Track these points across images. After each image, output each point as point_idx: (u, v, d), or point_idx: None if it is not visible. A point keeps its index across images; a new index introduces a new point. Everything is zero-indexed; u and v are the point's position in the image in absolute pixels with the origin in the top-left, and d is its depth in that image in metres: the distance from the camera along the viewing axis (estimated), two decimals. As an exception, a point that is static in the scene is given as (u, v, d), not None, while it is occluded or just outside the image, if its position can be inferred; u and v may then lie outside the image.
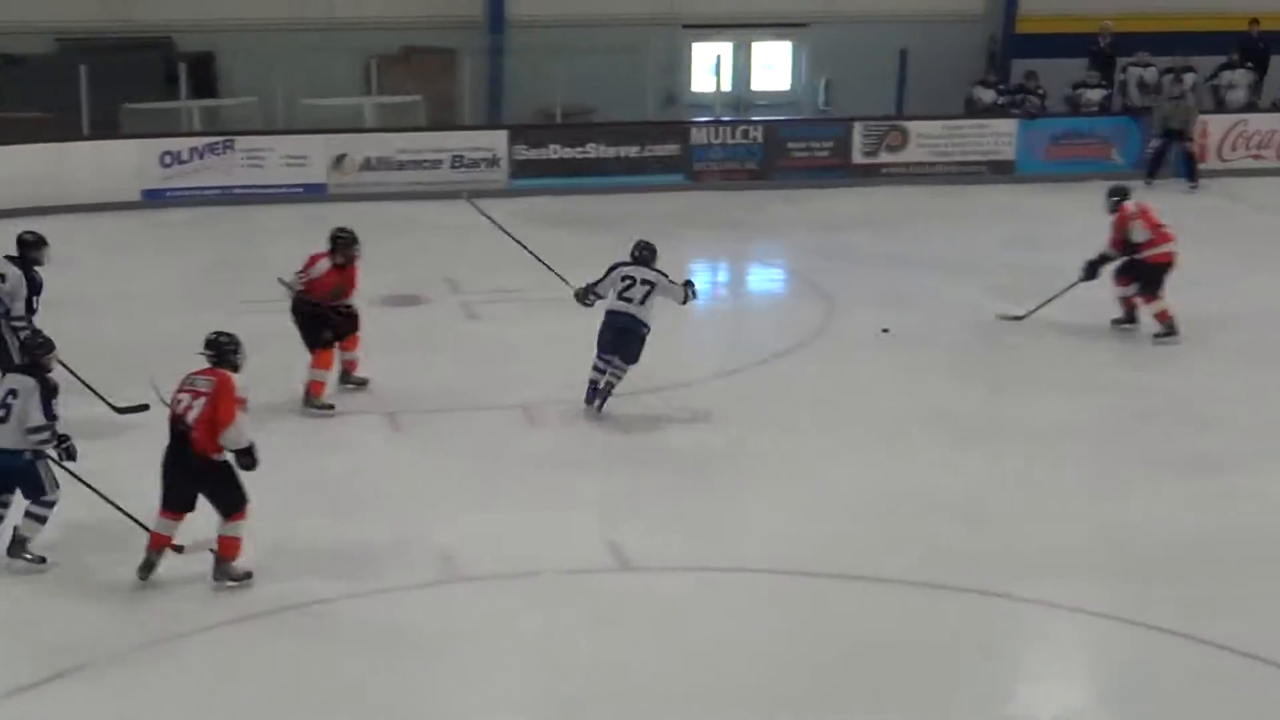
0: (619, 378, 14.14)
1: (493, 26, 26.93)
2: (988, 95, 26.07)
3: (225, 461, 10.63)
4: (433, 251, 20.31)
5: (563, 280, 15.27)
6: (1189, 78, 25.33)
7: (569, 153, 24.26)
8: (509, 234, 16.04)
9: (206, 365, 10.82)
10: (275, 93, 24.41)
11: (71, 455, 10.97)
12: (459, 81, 25.53)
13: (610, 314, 14.14)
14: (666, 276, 14.26)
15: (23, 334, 13.11)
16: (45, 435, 10.76)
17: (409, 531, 11.61)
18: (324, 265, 14.26)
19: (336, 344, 14.38)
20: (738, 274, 21.29)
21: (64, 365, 12.11)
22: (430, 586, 10.80)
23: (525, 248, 15.96)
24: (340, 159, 23.53)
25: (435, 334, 16.78)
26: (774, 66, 28.81)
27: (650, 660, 9.83)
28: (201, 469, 10.60)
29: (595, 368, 14.15)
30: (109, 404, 13.69)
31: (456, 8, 27.06)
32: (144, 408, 13.36)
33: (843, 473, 12.91)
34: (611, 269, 14.34)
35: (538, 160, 24.14)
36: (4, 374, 11.36)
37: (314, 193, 23.07)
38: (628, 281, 14.12)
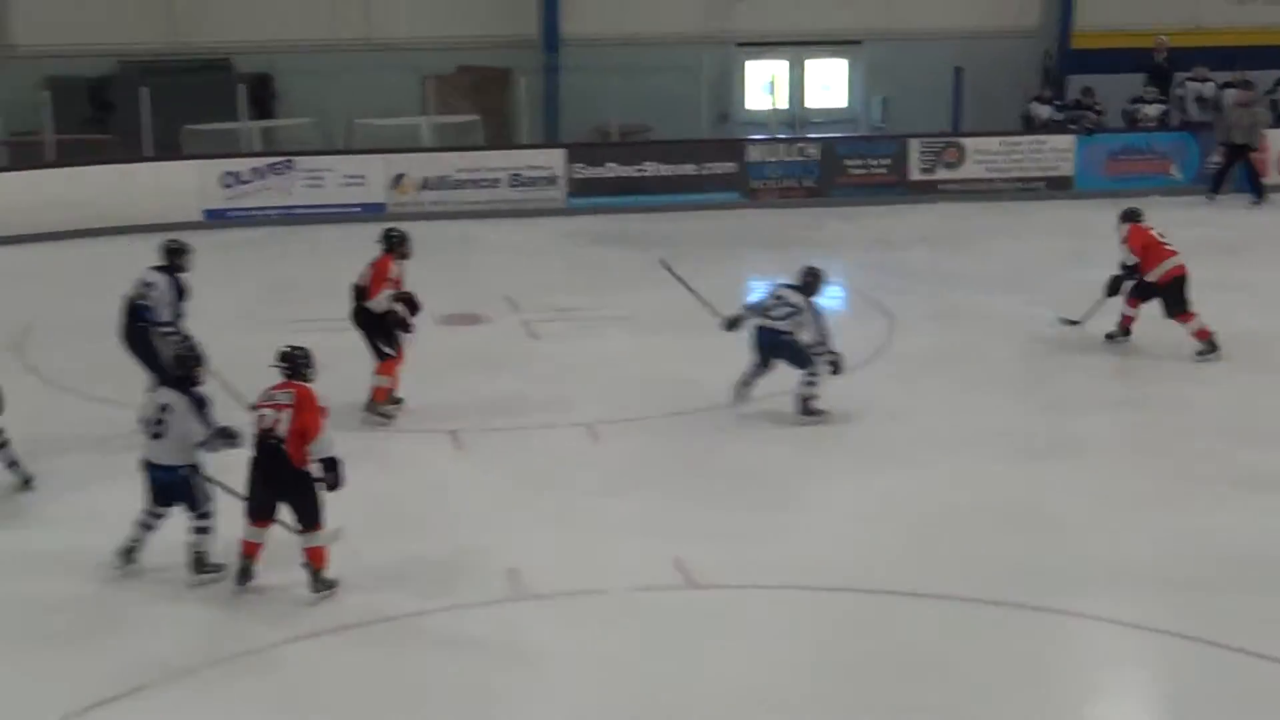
0: (810, 384, 14.38)
1: (548, 45, 27.07)
2: (1044, 111, 26.01)
3: (309, 473, 10.78)
4: (491, 270, 20.39)
5: (714, 312, 15.26)
6: (1254, 89, 25.16)
7: (626, 171, 24.34)
8: (674, 274, 15.90)
9: (280, 379, 10.97)
10: (333, 113, 24.56)
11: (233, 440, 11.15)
12: (515, 100, 25.66)
13: (756, 329, 14.57)
14: (815, 312, 14.45)
15: (173, 340, 13.48)
16: (218, 442, 11.03)
17: (475, 549, 11.64)
18: (396, 266, 14.44)
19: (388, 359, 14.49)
20: (796, 291, 21.26)
21: (213, 376, 12.40)
22: (498, 604, 10.81)
23: (686, 285, 15.87)
24: (399, 178, 23.67)
25: (496, 353, 16.83)
26: (829, 84, 28.83)
27: (716, 677, 9.81)
28: (290, 480, 10.78)
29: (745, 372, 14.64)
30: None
31: (512, 27, 27.21)
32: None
33: (907, 489, 12.88)
34: (771, 288, 14.79)
35: (595, 179, 24.23)
36: (156, 385, 11.43)
37: (373, 212, 23.21)
38: (777, 300, 14.50)
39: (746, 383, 14.69)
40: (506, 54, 26.70)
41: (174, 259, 14.55)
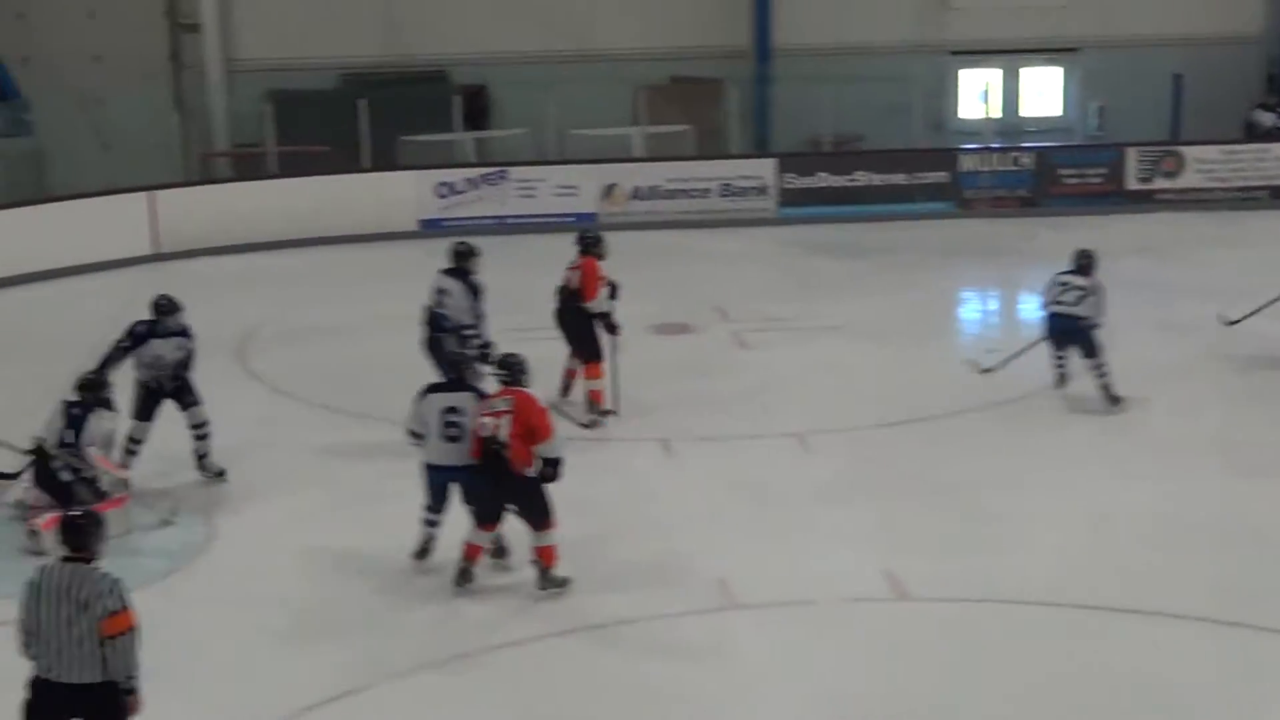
0: (1102, 374, 14.70)
1: (760, 55, 27.09)
2: (1268, 119, 25.40)
3: (534, 476, 10.97)
4: (701, 280, 20.43)
5: None
6: None
7: (837, 181, 24.23)
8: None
9: (500, 386, 11.18)
10: (546, 123, 24.82)
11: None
12: (727, 110, 25.68)
13: (1050, 316, 14.97)
14: (1102, 291, 14.79)
15: (476, 344, 13.82)
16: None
17: (684, 557, 11.68)
18: (598, 266, 14.63)
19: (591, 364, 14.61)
20: (1008, 302, 20.99)
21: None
22: (707, 613, 10.84)
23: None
24: (610, 188, 23.84)
25: (706, 361, 16.87)
26: (1044, 92, 28.45)
27: (927, 691, 9.74)
28: (515, 485, 10.98)
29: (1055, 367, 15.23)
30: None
31: (724, 37, 27.27)
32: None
33: (1125, 502, 12.64)
34: (1053, 277, 15.11)
35: (806, 188, 24.17)
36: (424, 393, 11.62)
37: (584, 221, 23.34)
38: (1064, 286, 14.83)
39: (1062, 372, 15.13)
40: (718, 64, 26.75)
41: (463, 262, 14.60)
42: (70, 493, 12.00)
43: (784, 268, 21.12)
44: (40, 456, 12.24)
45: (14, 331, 18.70)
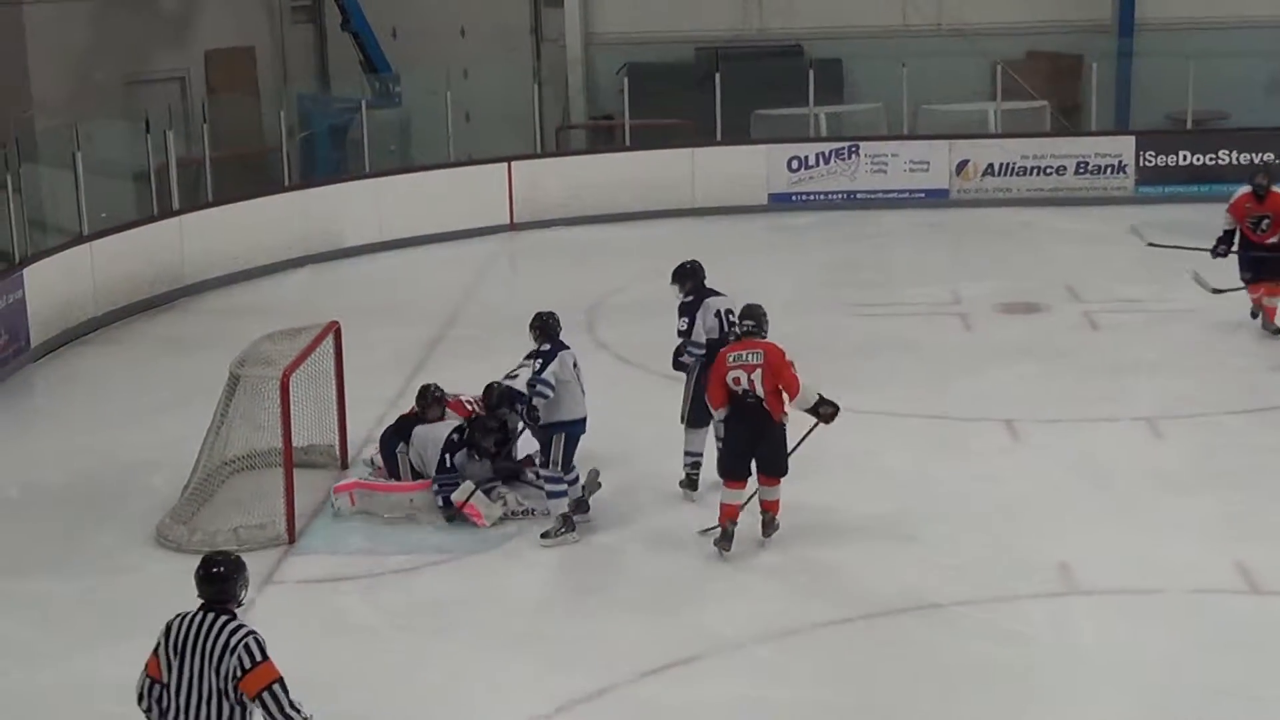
0: None
1: (1122, 30, 26.35)
2: None
3: (784, 426, 11.20)
4: (1054, 259, 20.02)
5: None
6: None
7: (1199, 159, 23.48)
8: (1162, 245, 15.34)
9: (746, 338, 11.38)
10: (900, 98, 24.63)
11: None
12: (1085, 86, 25.09)
13: None
14: None
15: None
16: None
17: (1027, 540, 11.51)
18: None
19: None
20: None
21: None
22: (1050, 598, 10.66)
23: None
24: (963, 164, 23.54)
25: (1056, 342, 16.53)
26: None
27: (1274, 686, 9.43)
28: (770, 435, 11.20)
29: None
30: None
31: (1085, 11, 26.67)
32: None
33: None
34: None
35: (1166, 167, 23.49)
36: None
37: (936, 198, 23.18)
38: None
39: None
40: (1079, 38, 26.15)
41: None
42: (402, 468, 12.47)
43: (1140, 248, 20.57)
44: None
45: (381, 295, 19.41)
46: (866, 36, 26.31)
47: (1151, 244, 15.00)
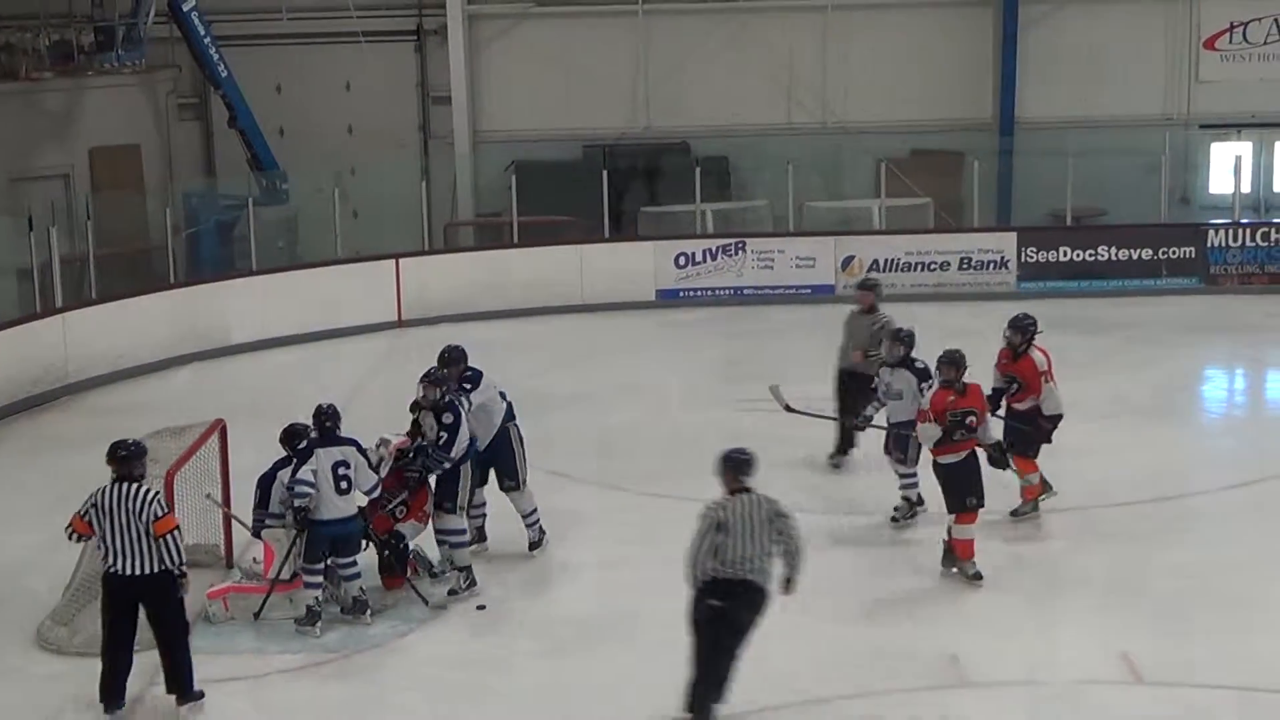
0: None
1: (1003, 128, 26.87)
2: None
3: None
4: (934, 354, 20.09)
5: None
6: None
7: (1079, 255, 23.89)
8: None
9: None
10: (786, 195, 24.88)
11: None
12: (967, 183, 25.49)
13: None
14: None
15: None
16: None
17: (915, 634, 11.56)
18: None
19: None
20: (1255, 382, 20.46)
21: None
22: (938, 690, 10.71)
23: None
24: (848, 261, 23.78)
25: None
26: (1296, 167, 27.71)
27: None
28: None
29: None
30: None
31: (967, 110, 27.17)
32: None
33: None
34: None
35: (1047, 263, 23.88)
36: None
37: (822, 293, 23.39)
38: None
39: None
40: (961, 137, 26.60)
41: None
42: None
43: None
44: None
45: (266, 393, 19.23)
46: (753, 134, 26.65)
47: (790, 408, 14.91)
